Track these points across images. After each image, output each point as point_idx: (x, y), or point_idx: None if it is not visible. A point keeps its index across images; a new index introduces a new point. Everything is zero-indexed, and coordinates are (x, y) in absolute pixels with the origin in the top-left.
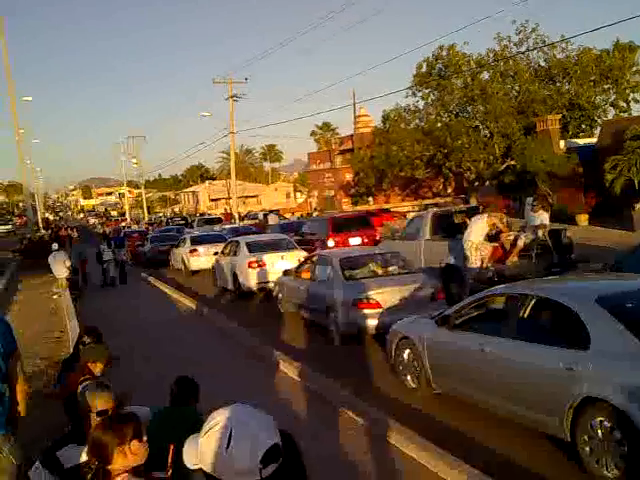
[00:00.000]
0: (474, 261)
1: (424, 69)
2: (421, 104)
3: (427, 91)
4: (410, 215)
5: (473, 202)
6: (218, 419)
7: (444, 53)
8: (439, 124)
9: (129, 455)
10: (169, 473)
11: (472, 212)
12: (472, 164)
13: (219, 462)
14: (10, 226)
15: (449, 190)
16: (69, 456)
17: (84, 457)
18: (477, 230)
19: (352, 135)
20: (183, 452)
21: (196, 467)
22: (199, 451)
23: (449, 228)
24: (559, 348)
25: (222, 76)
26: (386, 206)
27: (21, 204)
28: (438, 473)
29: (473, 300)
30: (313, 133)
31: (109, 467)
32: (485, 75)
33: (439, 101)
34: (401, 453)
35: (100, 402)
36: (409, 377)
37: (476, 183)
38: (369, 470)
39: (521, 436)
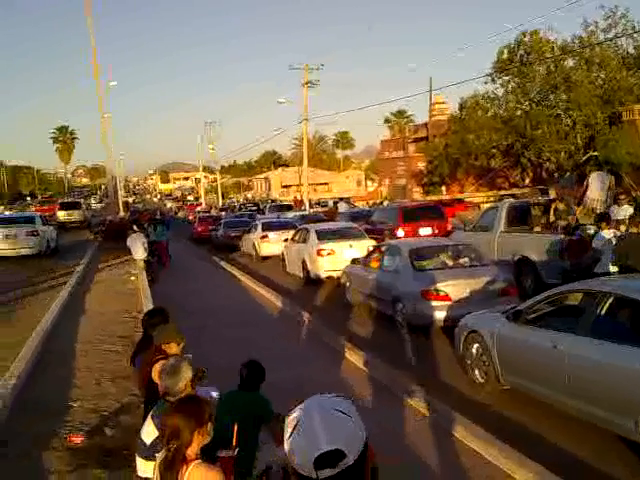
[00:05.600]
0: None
1: (505, 55)
2: (500, 91)
3: (507, 78)
4: (484, 206)
5: (552, 194)
6: (302, 405)
7: (527, 39)
8: (519, 112)
9: (202, 437)
10: (236, 451)
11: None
12: (552, 154)
13: (286, 449)
14: (103, 204)
15: (527, 181)
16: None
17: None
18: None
19: (427, 123)
20: None
21: None
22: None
23: (526, 220)
24: (637, 348)
25: (299, 62)
26: (459, 196)
27: (103, 186)
28: (503, 469)
29: (547, 296)
30: (387, 120)
31: (187, 451)
32: (569, 62)
33: (519, 88)
34: (466, 447)
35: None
36: (477, 371)
37: (556, 174)
38: (433, 463)
39: (591, 435)
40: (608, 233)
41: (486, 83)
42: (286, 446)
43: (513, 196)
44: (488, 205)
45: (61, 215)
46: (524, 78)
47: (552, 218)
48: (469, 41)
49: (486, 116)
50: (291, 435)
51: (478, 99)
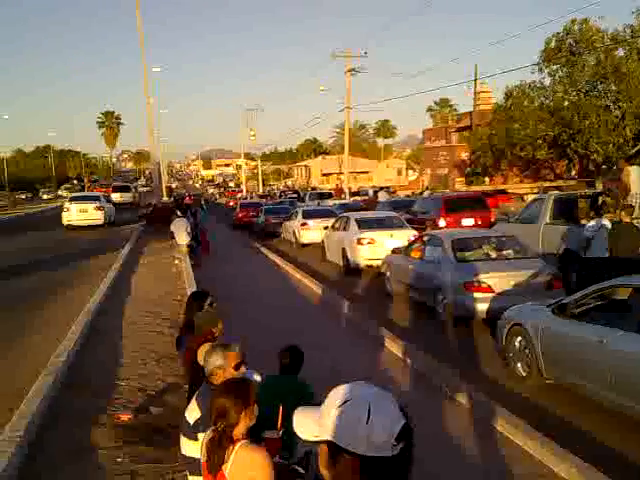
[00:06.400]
0: None
1: (553, 44)
2: (548, 81)
3: (555, 67)
4: (529, 197)
5: (599, 187)
6: (352, 394)
7: (576, 27)
8: (566, 102)
9: (248, 418)
10: (280, 433)
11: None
12: (600, 146)
13: (355, 435)
14: (149, 188)
15: (573, 173)
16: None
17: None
18: None
19: (471, 112)
20: (296, 424)
21: (316, 439)
22: (327, 423)
23: (572, 213)
24: None
25: (342, 50)
26: (503, 187)
27: (147, 171)
28: (544, 462)
29: (594, 290)
30: (430, 109)
31: (234, 432)
32: (620, 52)
33: (568, 78)
34: (506, 440)
35: (235, 356)
36: (519, 365)
37: (603, 166)
38: (472, 454)
39: (634, 431)
40: (597, 222)
41: (533, 72)
42: (360, 435)
43: (558, 188)
44: (532, 197)
45: (115, 196)
46: (572, 68)
47: (599, 211)
48: (517, 30)
49: (532, 106)
50: (368, 420)
51: (525, 88)
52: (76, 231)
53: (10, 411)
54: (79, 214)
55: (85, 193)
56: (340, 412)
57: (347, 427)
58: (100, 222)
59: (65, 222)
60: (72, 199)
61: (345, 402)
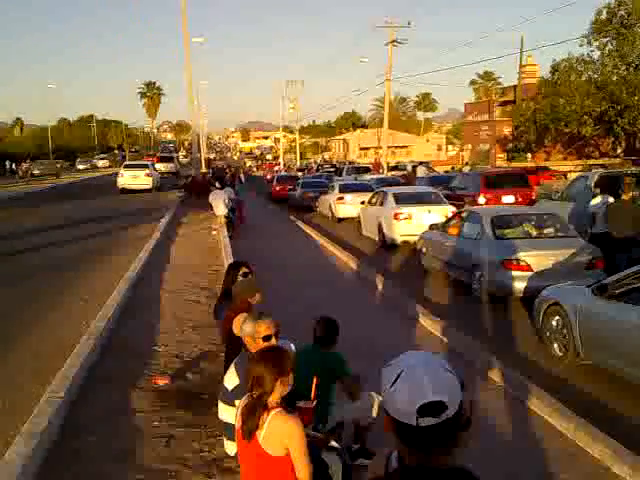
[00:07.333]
0: None
1: (604, 16)
2: (596, 55)
3: (605, 40)
4: (572, 175)
5: None
6: (399, 358)
7: None
8: (615, 77)
9: (284, 386)
10: (314, 403)
11: None
12: None
13: (385, 396)
14: (189, 159)
15: (619, 151)
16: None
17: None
18: None
19: (515, 86)
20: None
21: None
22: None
23: (617, 192)
24: None
25: (383, 20)
26: (545, 164)
27: (186, 142)
28: (578, 443)
29: (636, 271)
30: (473, 82)
31: (269, 399)
32: None
33: (617, 52)
34: (540, 419)
35: (264, 328)
36: (556, 345)
37: None
38: (506, 432)
39: None
40: (602, 199)
41: (581, 45)
42: (386, 396)
43: (603, 166)
44: (576, 174)
45: (159, 166)
46: (623, 41)
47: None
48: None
49: (580, 80)
50: (394, 384)
51: (572, 62)
52: (124, 196)
53: (53, 373)
54: (132, 179)
55: (136, 161)
56: (382, 373)
57: (382, 388)
58: (149, 187)
59: (120, 186)
60: (126, 166)
61: (388, 365)
